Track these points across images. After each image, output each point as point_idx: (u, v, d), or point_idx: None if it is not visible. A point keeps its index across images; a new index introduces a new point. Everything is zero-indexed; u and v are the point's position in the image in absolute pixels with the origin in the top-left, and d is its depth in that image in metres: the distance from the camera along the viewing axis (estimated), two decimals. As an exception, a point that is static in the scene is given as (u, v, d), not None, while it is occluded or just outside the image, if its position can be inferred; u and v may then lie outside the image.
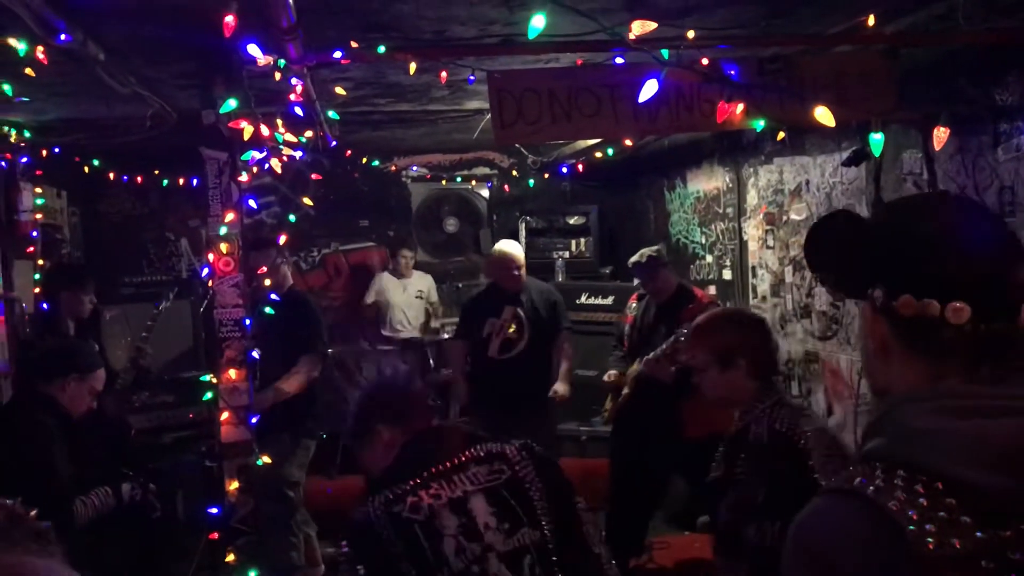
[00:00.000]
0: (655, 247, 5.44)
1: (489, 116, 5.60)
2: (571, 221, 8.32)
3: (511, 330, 5.59)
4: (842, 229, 1.28)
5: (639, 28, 3.06)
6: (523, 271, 5.66)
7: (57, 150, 6.17)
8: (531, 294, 5.70)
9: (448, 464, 2.24)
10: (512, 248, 5.76)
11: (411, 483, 2.18)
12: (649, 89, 3.23)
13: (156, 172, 7.17)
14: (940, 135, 3.69)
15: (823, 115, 3.32)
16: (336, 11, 3.48)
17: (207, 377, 4.08)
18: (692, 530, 6.02)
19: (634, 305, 5.50)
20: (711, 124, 3.61)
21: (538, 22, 3.04)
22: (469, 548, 2.11)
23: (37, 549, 0.89)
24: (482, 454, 2.28)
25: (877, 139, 3.72)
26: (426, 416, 2.45)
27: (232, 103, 3.60)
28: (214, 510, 4.01)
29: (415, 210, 8.64)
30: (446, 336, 7.78)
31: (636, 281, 5.48)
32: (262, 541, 4.11)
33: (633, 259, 5.36)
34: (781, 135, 4.86)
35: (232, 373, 3.83)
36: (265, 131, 3.85)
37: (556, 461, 2.45)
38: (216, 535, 4.05)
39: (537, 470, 2.29)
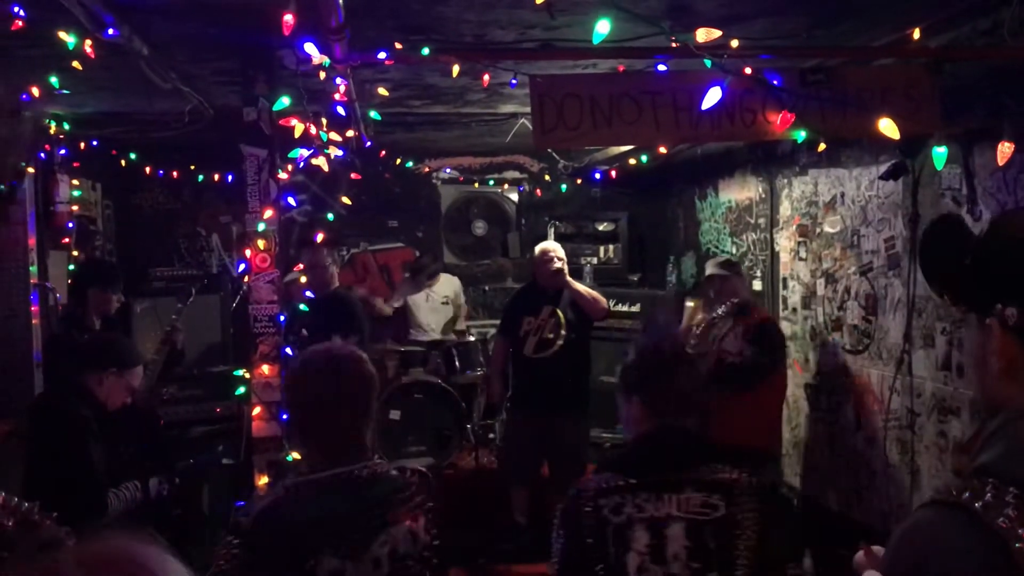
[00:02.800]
0: (731, 256, 5.55)
1: (523, 120, 5.66)
2: (600, 227, 8.31)
3: (547, 330, 5.61)
4: (965, 239, 1.26)
5: (704, 35, 3.06)
6: (564, 267, 5.64)
7: (95, 143, 6.24)
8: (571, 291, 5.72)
9: (666, 478, 2.14)
10: (550, 243, 5.89)
11: (624, 482, 2.12)
12: (712, 97, 3.22)
13: (191, 168, 7.24)
14: (1004, 150, 3.64)
15: (888, 127, 3.29)
16: (378, 13, 3.50)
17: (240, 372, 4.11)
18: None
19: (691, 305, 5.63)
20: (752, 134, 3.60)
21: (602, 27, 3.05)
22: (652, 570, 2.06)
23: (142, 537, 0.94)
24: (706, 479, 2.14)
25: (940, 152, 3.68)
26: (682, 409, 2.25)
27: (285, 100, 3.63)
28: (242, 504, 4.03)
29: (444, 212, 8.67)
30: (471, 339, 7.80)
31: (712, 272, 5.42)
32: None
33: (716, 259, 5.49)
34: (822, 146, 4.83)
35: (265, 368, 3.86)
36: (312, 129, 3.88)
37: (791, 512, 2.27)
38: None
39: (760, 517, 2.10)
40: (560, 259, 5.64)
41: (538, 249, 5.85)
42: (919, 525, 1.16)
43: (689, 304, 5.66)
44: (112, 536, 0.94)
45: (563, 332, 5.61)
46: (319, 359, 2.28)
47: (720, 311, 4.98)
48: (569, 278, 5.66)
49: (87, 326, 5.01)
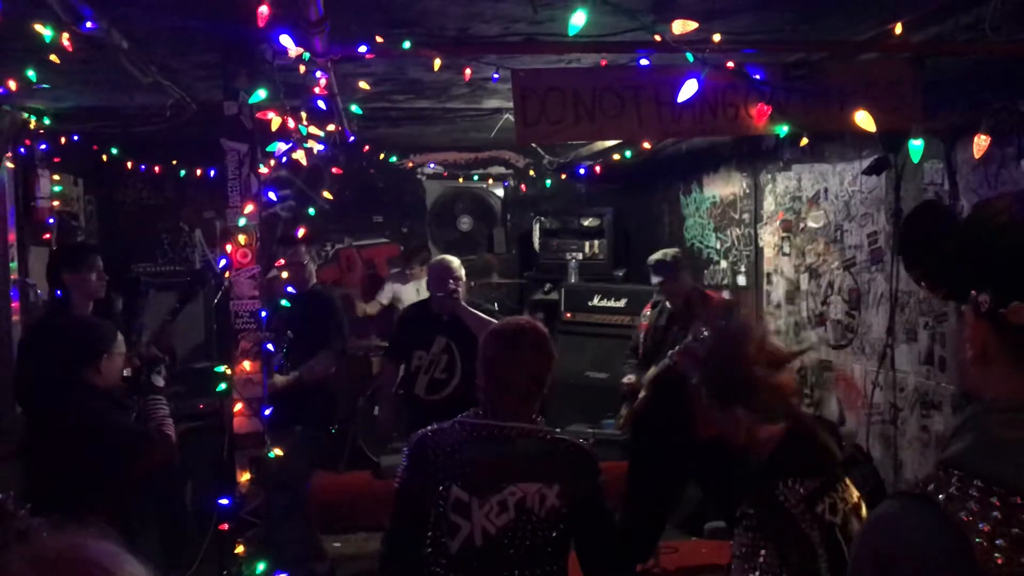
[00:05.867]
0: (675, 249, 5.40)
1: (507, 115, 5.64)
2: (586, 223, 8.31)
3: (440, 368, 4.82)
4: (945, 226, 1.24)
5: (680, 27, 3.04)
6: (460, 289, 4.79)
7: (76, 138, 6.19)
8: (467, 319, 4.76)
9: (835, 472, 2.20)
10: (447, 257, 5.03)
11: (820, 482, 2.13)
12: (688, 89, 3.21)
13: (173, 162, 7.20)
14: (981, 143, 3.65)
15: (864, 120, 3.29)
16: (361, 6, 3.48)
17: (221, 368, 4.08)
18: (699, 535, 6.01)
19: (648, 312, 5.44)
20: (735, 128, 3.59)
21: (578, 19, 3.03)
22: None
23: (96, 532, 0.92)
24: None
25: (917, 146, 3.69)
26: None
27: (262, 93, 3.60)
28: (224, 501, 4.01)
29: (429, 207, 8.65)
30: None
31: (654, 281, 5.29)
32: (271, 533, 4.11)
33: (656, 256, 5.24)
34: (804, 140, 4.83)
35: (247, 364, 3.82)
36: (290, 123, 3.85)
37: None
38: (226, 526, 4.05)
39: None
40: (456, 279, 4.79)
41: (433, 263, 5.07)
42: (883, 516, 1.15)
43: (646, 312, 5.51)
44: (64, 533, 0.92)
45: (459, 370, 4.78)
46: (507, 328, 2.65)
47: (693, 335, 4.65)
48: (464, 303, 4.78)
49: (74, 314, 4.67)
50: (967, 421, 1.15)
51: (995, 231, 1.15)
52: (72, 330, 3.94)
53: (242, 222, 3.82)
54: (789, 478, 2.12)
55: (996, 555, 1.00)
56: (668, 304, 5.26)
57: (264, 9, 2.72)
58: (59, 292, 5.17)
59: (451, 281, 4.77)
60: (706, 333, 4.66)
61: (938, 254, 1.18)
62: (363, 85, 4.37)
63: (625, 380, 5.35)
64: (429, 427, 2.55)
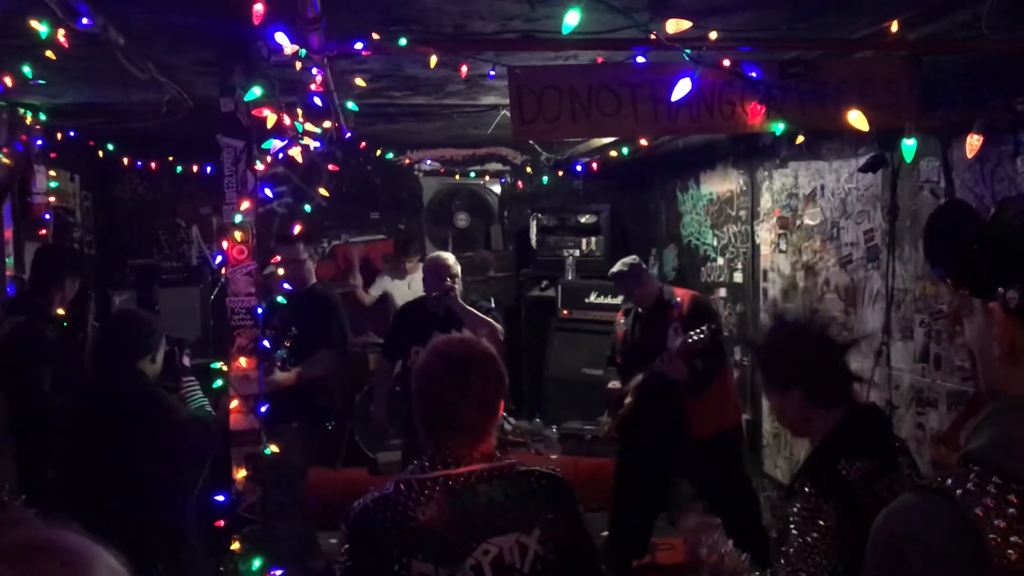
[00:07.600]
0: (631, 257, 5.32)
1: (504, 112, 5.62)
2: (583, 220, 8.31)
3: None
4: (971, 224, 1.24)
5: (673, 26, 3.04)
6: (456, 286, 4.87)
7: (72, 134, 6.18)
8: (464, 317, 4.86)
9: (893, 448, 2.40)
10: (442, 253, 5.12)
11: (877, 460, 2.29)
12: (682, 88, 3.21)
13: (170, 159, 7.19)
14: (973, 143, 3.65)
15: (857, 119, 3.29)
16: (357, 3, 3.47)
17: (218, 364, 4.09)
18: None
19: (622, 321, 5.37)
20: (731, 126, 3.59)
21: (572, 19, 3.03)
22: None
23: (61, 525, 0.95)
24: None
25: (910, 145, 3.69)
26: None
27: (257, 91, 3.60)
28: (220, 497, 4.02)
29: (426, 204, 8.64)
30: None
31: (620, 297, 5.28)
32: (267, 530, 4.12)
33: (615, 269, 5.17)
34: (800, 139, 4.84)
35: (243, 361, 3.83)
36: (286, 120, 3.86)
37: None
38: (222, 523, 4.06)
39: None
40: (452, 276, 4.86)
41: (427, 260, 5.09)
42: (901, 508, 1.17)
43: (619, 321, 5.46)
44: (32, 525, 0.94)
45: None
46: (449, 356, 2.22)
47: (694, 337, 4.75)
48: (460, 301, 4.85)
49: (51, 317, 4.59)
50: (987, 418, 1.17)
51: (1021, 229, 1.16)
52: (135, 324, 3.93)
53: (238, 218, 3.83)
54: (850, 455, 2.27)
55: (1009, 551, 1.02)
56: (640, 309, 5.20)
57: (260, 7, 2.72)
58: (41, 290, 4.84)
59: (448, 279, 4.82)
60: (694, 337, 4.73)
61: (963, 252, 1.17)
62: (359, 82, 4.37)
63: (611, 386, 5.31)
64: (368, 496, 2.09)
